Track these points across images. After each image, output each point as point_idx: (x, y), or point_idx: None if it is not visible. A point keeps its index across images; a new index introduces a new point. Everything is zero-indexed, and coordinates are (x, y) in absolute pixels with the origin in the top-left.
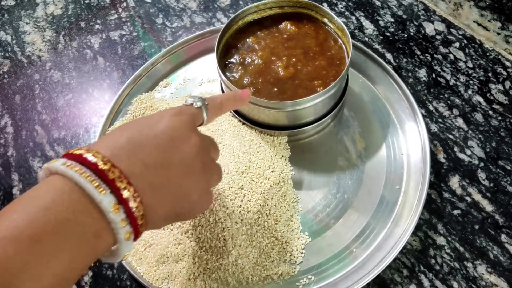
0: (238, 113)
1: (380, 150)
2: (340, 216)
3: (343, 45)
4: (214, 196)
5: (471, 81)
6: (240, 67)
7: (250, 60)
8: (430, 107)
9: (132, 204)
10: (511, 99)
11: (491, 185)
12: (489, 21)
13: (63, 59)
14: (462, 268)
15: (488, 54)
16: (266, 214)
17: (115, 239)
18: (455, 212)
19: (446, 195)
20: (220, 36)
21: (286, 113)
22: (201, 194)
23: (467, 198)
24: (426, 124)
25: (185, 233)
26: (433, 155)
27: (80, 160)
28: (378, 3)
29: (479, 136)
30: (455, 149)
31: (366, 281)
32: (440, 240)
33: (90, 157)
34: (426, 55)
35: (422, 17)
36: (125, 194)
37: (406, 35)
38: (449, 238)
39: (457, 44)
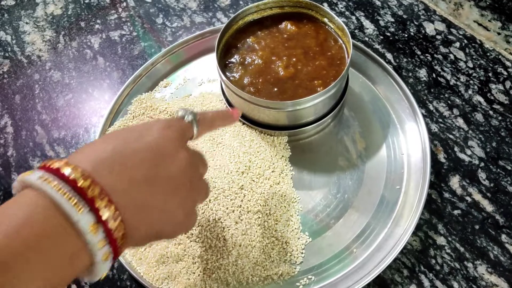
0: None
1: (381, 150)
2: (340, 216)
3: (343, 45)
4: (199, 212)
5: (471, 81)
6: (240, 67)
7: (250, 60)
8: (431, 107)
9: (112, 225)
10: None
11: (492, 185)
12: (489, 21)
13: (63, 59)
14: (463, 268)
15: (488, 54)
16: (266, 214)
17: (92, 260)
18: (456, 212)
19: (447, 195)
20: (220, 36)
21: (286, 113)
22: (186, 214)
23: (468, 198)
24: (427, 124)
25: (185, 233)
26: (434, 155)
27: (58, 174)
28: (378, 3)
29: (479, 136)
30: (456, 149)
31: (366, 281)
32: (441, 240)
33: (69, 172)
34: (427, 55)
35: (422, 17)
36: (105, 214)
37: (406, 35)
38: (450, 238)
39: (457, 44)
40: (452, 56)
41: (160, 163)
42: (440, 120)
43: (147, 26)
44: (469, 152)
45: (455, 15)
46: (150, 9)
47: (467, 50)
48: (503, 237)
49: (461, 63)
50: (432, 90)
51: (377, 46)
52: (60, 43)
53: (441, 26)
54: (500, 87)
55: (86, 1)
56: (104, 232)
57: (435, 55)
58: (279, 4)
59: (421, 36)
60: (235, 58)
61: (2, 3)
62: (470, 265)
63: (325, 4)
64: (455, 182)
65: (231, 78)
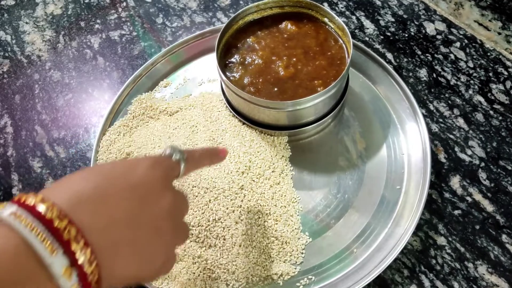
0: (238, 113)
1: (381, 150)
2: (340, 216)
3: (344, 45)
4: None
5: (472, 81)
6: (240, 67)
7: (250, 60)
8: (431, 107)
9: (87, 269)
10: None
11: (492, 185)
12: (490, 20)
13: (63, 59)
14: (463, 269)
15: (489, 54)
16: (266, 214)
17: None
18: (456, 212)
19: (447, 195)
20: (220, 36)
21: (287, 113)
22: (167, 257)
23: (468, 198)
24: (427, 124)
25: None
26: (434, 155)
27: (33, 211)
28: (378, 2)
29: (480, 136)
30: (456, 149)
31: (366, 282)
32: (441, 240)
33: (44, 210)
34: (427, 54)
35: (422, 16)
36: (81, 258)
37: (406, 35)
38: (450, 238)
39: (458, 44)
40: (452, 56)
41: (144, 204)
42: (441, 120)
43: (147, 26)
44: (469, 152)
45: (456, 15)
46: (150, 9)
47: (467, 50)
48: (504, 237)
49: (461, 63)
50: (432, 90)
51: (377, 46)
52: (60, 43)
53: (442, 26)
54: (501, 87)
55: (86, 1)
56: (78, 276)
57: (436, 55)
58: (279, 4)
59: (421, 36)
60: (235, 58)
61: (2, 3)
62: (470, 265)
63: (325, 4)
64: (455, 182)
65: (231, 78)
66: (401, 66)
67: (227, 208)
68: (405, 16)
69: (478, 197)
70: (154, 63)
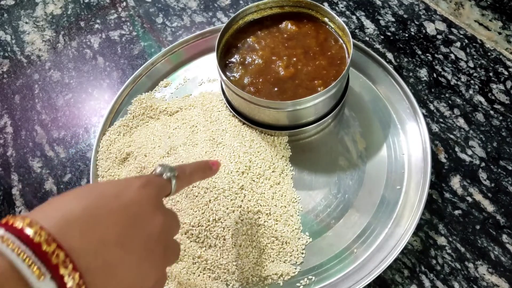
0: (238, 113)
1: (381, 150)
2: (340, 216)
3: (344, 45)
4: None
5: (472, 81)
6: (240, 67)
7: (250, 59)
8: (431, 107)
9: None
10: None
11: (492, 185)
12: (490, 20)
13: (63, 58)
14: (463, 269)
15: (489, 53)
16: (266, 214)
17: None
18: (456, 212)
19: (447, 195)
20: (220, 36)
21: (287, 113)
22: (158, 278)
23: (468, 198)
24: (427, 124)
25: (185, 233)
26: (434, 155)
27: (21, 235)
28: (379, 2)
29: (480, 136)
30: (456, 149)
31: (367, 282)
32: (441, 241)
33: (32, 234)
34: (427, 54)
35: (423, 16)
36: (69, 283)
37: (407, 35)
38: (450, 239)
39: (458, 44)
40: (453, 56)
41: (135, 225)
42: (441, 120)
43: (147, 26)
44: (470, 152)
45: (456, 15)
46: (150, 8)
47: (468, 50)
48: (504, 237)
49: (462, 63)
50: (432, 90)
51: (377, 45)
52: (59, 43)
53: (442, 26)
54: (501, 87)
55: (86, 1)
56: None
57: (436, 55)
58: (279, 3)
59: (421, 36)
60: (235, 58)
61: (2, 2)
62: (471, 265)
63: (326, 4)
64: (456, 182)
65: (231, 78)
66: (402, 66)
67: (227, 208)
68: (405, 16)
69: (478, 197)
70: (154, 63)
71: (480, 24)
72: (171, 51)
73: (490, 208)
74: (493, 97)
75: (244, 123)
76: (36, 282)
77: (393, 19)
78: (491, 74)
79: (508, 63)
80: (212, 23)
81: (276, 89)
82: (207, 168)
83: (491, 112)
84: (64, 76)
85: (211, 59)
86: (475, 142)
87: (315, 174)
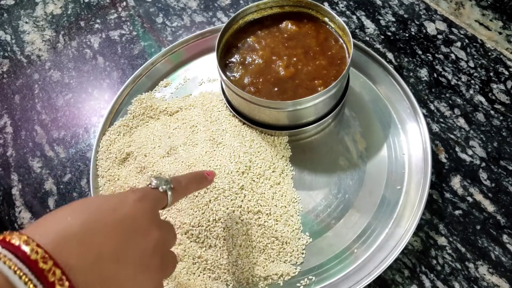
0: (238, 113)
1: (381, 150)
2: (341, 217)
3: (344, 45)
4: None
5: (472, 81)
6: (240, 67)
7: (250, 59)
8: (432, 107)
9: None
10: None
11: (493, 185)
12: (490, 20)
13: (63, 58)
14: (464, 269)
15: (489, 53)
16: (267, 214)
17: None
18: (457, 212)
19: (448, 195)
20: (220, 36)
21: (287, 113)
22: None
23: (469, 198)
24: (428, 124)
25: (185, 233)
26: (435, 155)
27: (18, 252)
28: (379, 2)
29: (480, 136)
30: (457, 149)
31: (367, 282)
32: (442, 241)
33: (29, 251)
34: (428, 54)
35: (423, 16)
36: None
37: (407, 35)
38: (451, 239)
39: (458, 44)
40: (453, 56)
41: (131, 239)
42: (441, 120)
43: (147, 26)
44: (470, 152)
45: (456, 15)
46: (150, 8)
47: (468, 50)
48: (505, 238)
49: (462, 63)
50: (433, 90)
51: (378, 45)
52: (59, 43)
53: (442, 26)
54: (502, 86)
55: (86, 1)
56: None
57: (436, 55)
58: (280, 3)
59: (422, 36)
60: (236, 58)
61: (2, 2)
62: (471, 265)
63: (326, 4)
64: (456, 182)
65: (231, 77)
66: (402, 66)
67: (227, 208)
68: (405, 15)
69: (479, 197)
70: (154, 63)
71: (481, 24)
72: (171, 51)
73: (490, 208)
74: (493, 97)
75: (244, 123)
76: None
77: (394, 19)
78: (491, 74)
79: (509, 63)
80: (212, 23)
81: (276, 89)
82: (203, 179)
83: (492, 112)
84: (64, 76)
85: (211, 59)
86: (476, 142)
87: (315, 174)
